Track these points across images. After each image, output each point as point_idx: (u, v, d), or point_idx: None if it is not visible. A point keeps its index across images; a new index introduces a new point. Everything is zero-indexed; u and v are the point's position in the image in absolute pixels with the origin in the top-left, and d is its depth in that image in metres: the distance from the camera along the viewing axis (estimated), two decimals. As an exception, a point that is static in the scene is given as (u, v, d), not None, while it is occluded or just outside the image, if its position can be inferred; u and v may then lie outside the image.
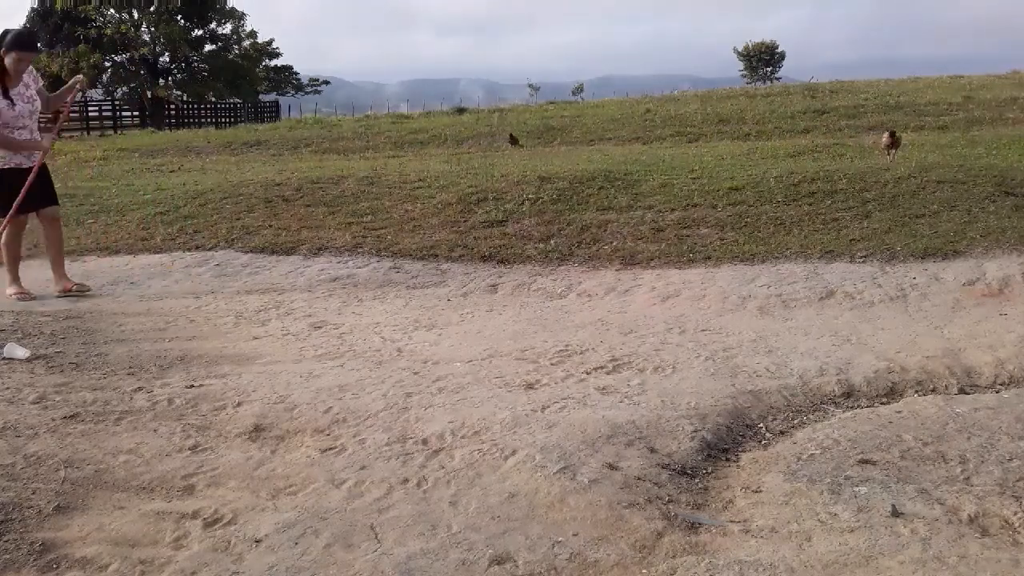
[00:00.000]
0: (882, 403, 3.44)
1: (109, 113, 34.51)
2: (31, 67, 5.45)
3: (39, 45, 38.48)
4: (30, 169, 5.36)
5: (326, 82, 54.29)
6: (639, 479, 2.67)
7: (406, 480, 2.70)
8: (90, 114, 33.39)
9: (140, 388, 3.62)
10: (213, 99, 42.21)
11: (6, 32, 5.37)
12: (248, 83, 44.00)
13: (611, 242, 6.36)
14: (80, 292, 5.50)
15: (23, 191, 5.27)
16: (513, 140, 15.06)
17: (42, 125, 5.89)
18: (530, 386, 3.60)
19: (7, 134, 5.32)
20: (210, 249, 6.65)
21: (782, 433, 3.16)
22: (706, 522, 2.45)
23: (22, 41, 5.38)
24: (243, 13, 43.68)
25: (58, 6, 37.52)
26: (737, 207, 6.92)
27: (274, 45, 46.25)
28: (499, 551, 2.27)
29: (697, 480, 2.75)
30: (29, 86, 5.42)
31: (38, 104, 5.48)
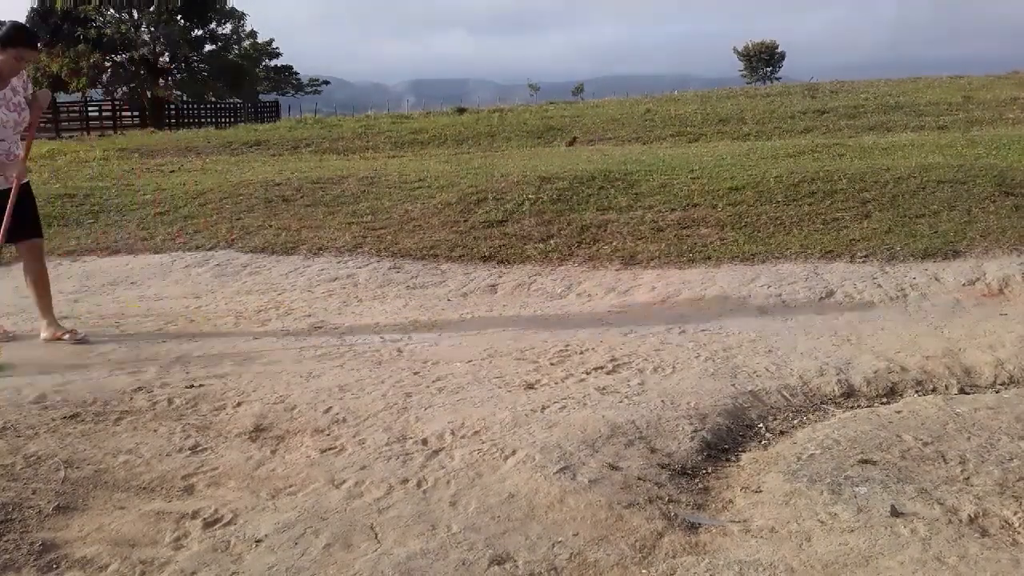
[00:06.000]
0: (882, 403, 3.45)
1: (109, 113, 34.59)
2: (24, 70, 4.45)
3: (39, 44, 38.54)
4: (7, 191, 4.35)
5: (326, 82, 54.22)
6: (639, 479, 2.67)
7: (406, 480, 2.70)
8: (90, 114, 33.46)
9: (140, 388, 3.63)
10: (213, 99, 42.16)
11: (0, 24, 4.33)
12: (248, 83, 43.97)
13: (611, 242, 6.36)
14: (75, 339, 4.44)
15: (7, 217, 4.29)
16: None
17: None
18: (530, 386, 3.60)
19: None
20: (210, 249, 6.65)
21: (782, 433, 3.17)
22: (706, 522, 2.45)
23: (29, 34, 4.41)
24: (243, 13, 43.69)
25: (58, 6, 37.49)
26: (737, 207, 6.91)
27: (274, 45, 46.25)
28: (499, 551, 2.27)
29: (697, 480, 2.76)
30: (18, 91, 4.41)
31: (26, 115, 4.45)
